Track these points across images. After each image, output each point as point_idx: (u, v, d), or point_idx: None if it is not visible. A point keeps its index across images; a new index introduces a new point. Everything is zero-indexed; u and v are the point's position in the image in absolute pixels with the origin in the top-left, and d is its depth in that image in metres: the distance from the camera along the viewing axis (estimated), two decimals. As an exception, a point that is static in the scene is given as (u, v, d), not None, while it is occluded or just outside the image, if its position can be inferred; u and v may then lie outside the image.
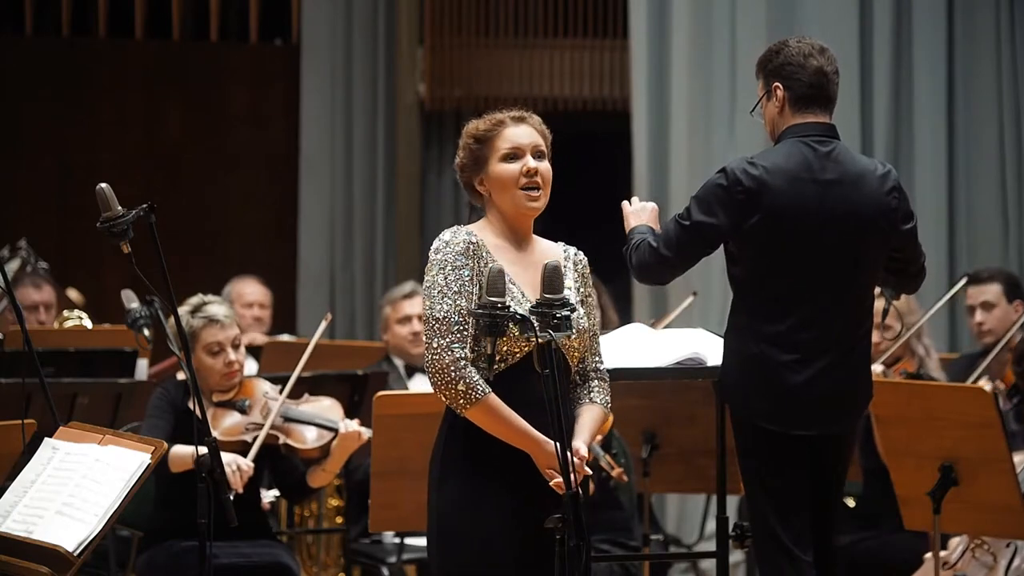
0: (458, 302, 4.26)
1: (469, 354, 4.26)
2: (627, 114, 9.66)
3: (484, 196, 4.44)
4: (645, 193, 9.09)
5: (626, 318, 8.16)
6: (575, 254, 4.51)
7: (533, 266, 4.36)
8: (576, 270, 4.48)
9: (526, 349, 4.26)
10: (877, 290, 5.98)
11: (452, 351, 4.24)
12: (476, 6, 11.19)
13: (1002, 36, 9.32)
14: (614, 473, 6.28)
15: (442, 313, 4.25)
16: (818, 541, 5.05)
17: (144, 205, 4.65)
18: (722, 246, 5.06)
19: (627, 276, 9.52)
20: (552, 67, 11.16)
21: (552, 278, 4.12)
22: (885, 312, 5.87)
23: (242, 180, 11.42)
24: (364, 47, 11.04)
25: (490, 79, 11.17)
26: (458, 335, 4.25)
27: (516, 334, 4.23)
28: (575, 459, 4.19)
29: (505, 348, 4.27)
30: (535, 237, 4.49)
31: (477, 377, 4.24)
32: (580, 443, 4.31)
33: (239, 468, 5.88)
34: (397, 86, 11.10)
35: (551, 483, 4.22)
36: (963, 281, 7.38)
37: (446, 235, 4.35)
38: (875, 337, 6.60)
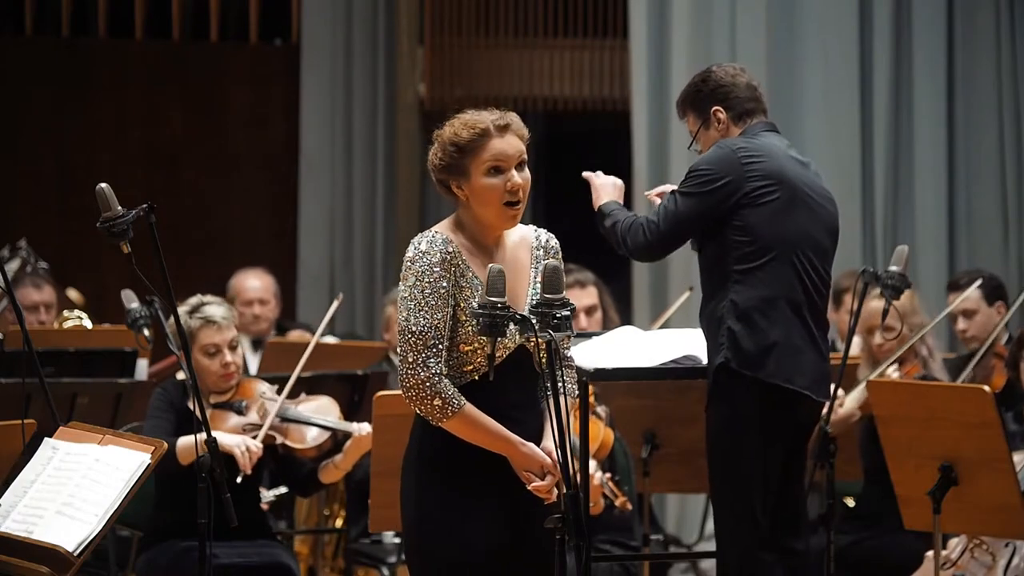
0: (435, 316, 4.19)
1: (444, 368, 4.22)
2: (627, 114, 9.66)
3: (460, 197, 4.33)
4: (645, 193, 9.08)
5: (627, 319, 8.15)
6: (547, 240, 4.41)
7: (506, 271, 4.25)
8: (549, 256, 4.38)
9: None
10: (877, 290, 6.00)
11: (428, 367, 4.18)
12: (476, 6, 11.18)
13: (1002, 36, 9.32)
14: (617, 503, 6.28)
15: (419, 328, 4.19)
16: (789, 537, 5.16)
17: (144, 205, 4.65)
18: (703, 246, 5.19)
19: (628, 277, 9.59)
20: (552, 67, 11.16)
21: (552, 278, 4.07)
22: (885, 312, 5.88)
23: (242, 180, 11.41)
24: (364, 47, 11.03)
25: (490, 79, 11.16)
26: (433, 350, 4.19)
27: (478, 348, 4.21)
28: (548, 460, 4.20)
29: (473, 364, 4.24)
30: (505, 232, 4.37)
31: (452, 391, 4.20)
32: (550, 443, 4.25)
33: (248, 449, 5.88)
34: (397, 86, 11.10)
35: (529, 487, 4.21)
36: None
37: (422, 244, 4.25)
38: (877, 338, 6.64)
